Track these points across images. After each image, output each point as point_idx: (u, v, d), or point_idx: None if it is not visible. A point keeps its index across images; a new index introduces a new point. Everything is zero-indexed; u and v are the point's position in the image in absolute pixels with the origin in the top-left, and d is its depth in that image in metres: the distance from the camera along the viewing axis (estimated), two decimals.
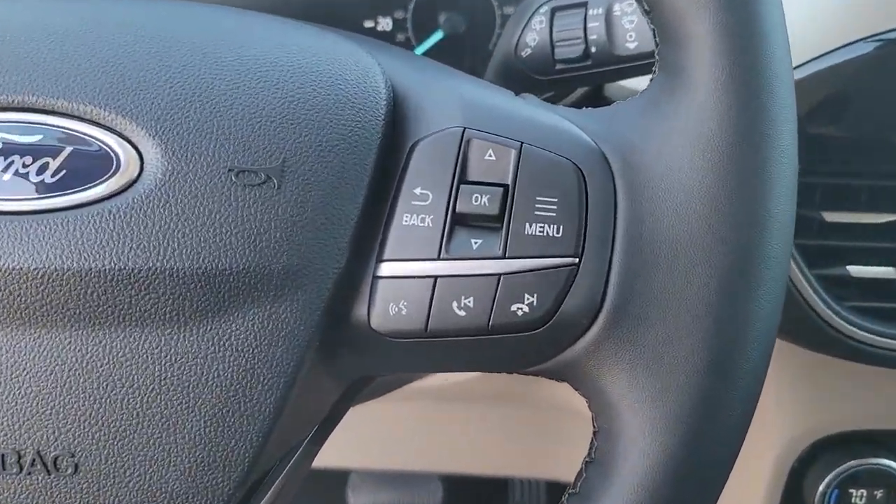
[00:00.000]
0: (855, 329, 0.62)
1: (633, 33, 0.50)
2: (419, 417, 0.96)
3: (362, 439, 0.96)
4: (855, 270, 0.62)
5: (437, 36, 0.74)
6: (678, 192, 0.34)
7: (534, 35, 0.53)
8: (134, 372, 0.35)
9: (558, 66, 0.53)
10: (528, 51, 0.53)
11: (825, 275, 0.62)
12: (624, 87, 0.62)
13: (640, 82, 0.51)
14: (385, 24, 0.73)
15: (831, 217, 0.62)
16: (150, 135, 0.35)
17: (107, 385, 0.35)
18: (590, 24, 0.52)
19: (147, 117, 0.35)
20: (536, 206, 0.35)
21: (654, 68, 0.38)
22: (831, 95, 0.59)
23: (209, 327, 0.34)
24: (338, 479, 1.08)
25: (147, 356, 0.34)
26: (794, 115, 0.36)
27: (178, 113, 0.35)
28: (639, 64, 0.51)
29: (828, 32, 0.59)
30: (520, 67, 0.54)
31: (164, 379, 0.35)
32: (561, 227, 0.35)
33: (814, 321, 0.62)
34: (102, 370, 0.35)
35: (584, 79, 0.53)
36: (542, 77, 0.54)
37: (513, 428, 0.95)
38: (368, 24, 0.74)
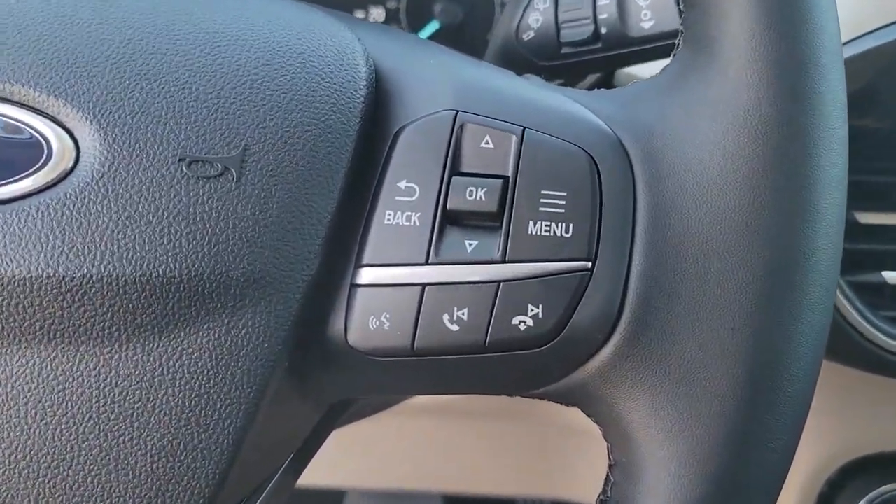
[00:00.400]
0: (891, 340, 0.57)
1: (649, 11, 0.46)
2: (419, 434, 0.92)
3: (358, 457, 0.92)
4: (891, 277, 0.58)
5: (433, 27, 0.71)
6: (708, 185, 0.30)
7: (537, 16, 0.48)
8: (67, 397, 0.30)
9: (564, 51, 0.49)
10: (531, 34, 0.49)
11: (858, 281, 0.58)
12: (637, 75, 0.57)
13: (656, 68, 0.46)
14: (377, 14, 0.70)
15: (864, 218, 0.58)
16: (87, 119, 0.31)
17: (35, 412, 0.30)
18: (599, 2, 0.47)
19: (84, 99, 0.31)
20: (542, 201, 0.31)
21: (677, 41, 0.34)
22: (863, 83, 0.55)
23: (156, 345, 0.30)
24: (333, 500, 1.04)
25: (83, 378, 0.30)
26: (844, 93, 0.31)
27: (121, 93, 0.31)
28: (655, 46, 0.46)
29: (858, 15, 0.54)
30: (521, 53, 0.49)
31: (103, 405, 0.30)
32: (571, 225, 0.31)
33: (845, 331, 0.58)
34: (30, 395, 0.30)
35: (594, 64, 0.49)
36: (546, 63, 0.49)
37: (517, 445, 0.91)
38: (359, 14, 0.70)
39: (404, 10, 0.70)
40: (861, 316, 0.57)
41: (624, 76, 0.58)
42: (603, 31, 0.48)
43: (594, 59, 0.48)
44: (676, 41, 0.34)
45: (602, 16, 0.47)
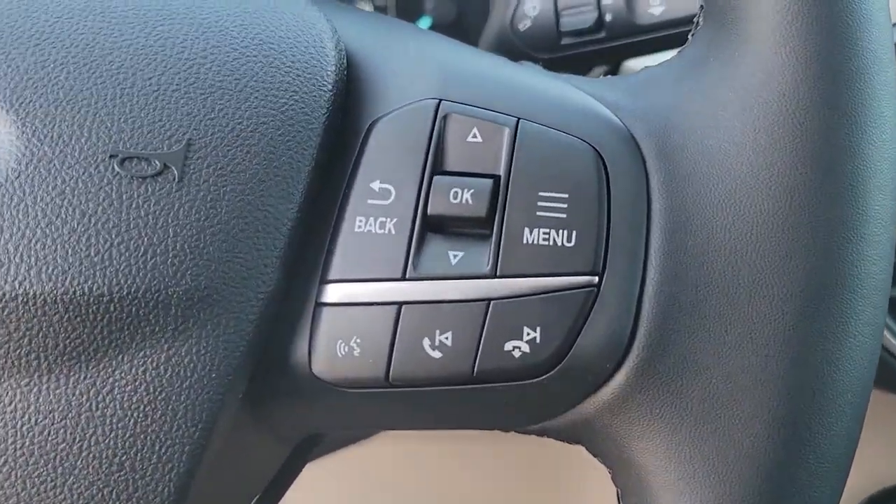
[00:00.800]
0: None
1: None
2: (415, 456, 0.88)
3: (349, 480, 0.89)
4: None
5: (425, 23, 0.66)
6: (736, 184, 0.26)
7: (534, 3, 0.45)
8: None
9: (565, 41, 0.45)
10: (528, 23, 0.45)
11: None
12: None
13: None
14: (365, 8, 0.66)
15: None
16: (2, 109, 0.27)
17: None
18: None
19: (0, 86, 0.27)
20: (539, 204, 0.27)
21: (696, 18, 0.29)
22: None
23: (82, 375, 0.26)
24: None
25: None
26: (895, 74, 0.26)
27: (43, 79, 0.27)
28: (666, 34, 0.42)
29: None
30: (517, 45, 0.46)
31: (21, 447, 0.26)
32: (573, 233, 0.27)
33: None
34: None
35: (597, 55, 0.45)
36: (545, 55, 0.46)
37: (522, 468, 0.87)
38: None
39: (393, 6, 0.66)
40: (891, 333, 0.53)
41: (630, 70, 0.54)
42: (607, 18, 0.44)
43: (598, 51, 0.45)
44: (696, 18, 0.30)
45: (606, 1, 0.44)
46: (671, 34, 0.43)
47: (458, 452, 0.88)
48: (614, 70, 0.54)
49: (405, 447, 0.87)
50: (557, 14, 0.44)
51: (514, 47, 0.46)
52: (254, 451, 0.31)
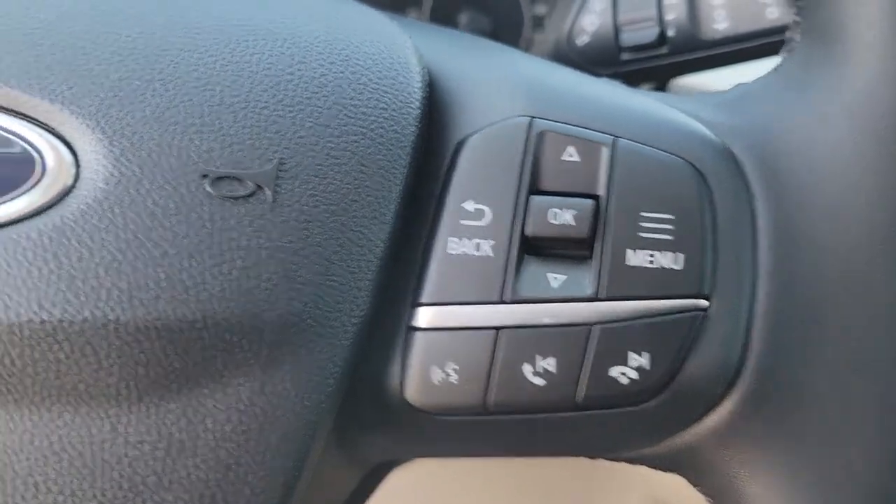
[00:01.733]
0: None
1: (723, 10, 0.41)
2: (440, 475, 0.86)
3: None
4: None
5: None
6: (847, 203, 0.25)
7: (593, 18, 0.43)
8: (66, 470, 0.25)
9: (625, 56, 0.44)
10: (586, 38, 0.44)
11: None
12: (696, 86, 0.52)
13: (727, 76, 0.40)
14: None
15: None
16: (88, 127, 0.26)
17: (26, 489, 0.24)
18: (666, 1, 0.42)
19: (84, 103, 0.26)
20: (642, 224, 0.26)
21: (789, 34, 0.29)
22: None
23: (175, 405, 0.25)
24: None
25: (85, 447, 0.25)
26: None
27: (130, 97, 0.26)
28: (730, 50, 0.41)
29: None
30: (574, 60, 0.44)
31: (110, 479, 0.25)
32: (681, 255, 0.26)
33: None
34: (18, 468, 0.25)
35: (658, 71, 0.43)
36: (604, 70, 0.44)
37: (557, 485, 0.85)
38: None
39: (428, 21, 0.65)
40: None
41: (680, 88, 0.53)
42: (670, 33, 0.43)
43: (658, 67, 0.43)
44: (789, 34, 0.29)
45: (669, 16, 0.42)
46: (734, 50, 0.42)
47: (478, 474, 0.87)
48: (661, 88, 0.53)
49: (425, 469, 0.85)
50: (617, 29, 0.43)
51: (571, 62, 0.45)
52: (332, 481, 0.30)
